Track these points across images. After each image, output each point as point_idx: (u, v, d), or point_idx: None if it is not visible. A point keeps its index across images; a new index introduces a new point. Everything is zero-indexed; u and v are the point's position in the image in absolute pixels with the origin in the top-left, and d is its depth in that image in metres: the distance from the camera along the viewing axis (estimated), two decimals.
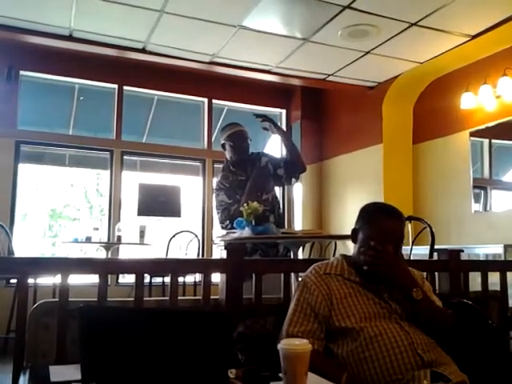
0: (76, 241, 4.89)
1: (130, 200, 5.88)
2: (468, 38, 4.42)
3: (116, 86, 5.91)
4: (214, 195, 3.21)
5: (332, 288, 1.68)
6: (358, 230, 1.77)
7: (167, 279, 2.32)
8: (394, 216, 1.76)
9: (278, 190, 3.43)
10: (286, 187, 6.43)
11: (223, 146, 3.23)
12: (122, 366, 1.03)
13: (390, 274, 1.66)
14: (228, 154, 3.21)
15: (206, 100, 6.38)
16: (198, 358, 1.03)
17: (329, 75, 5.43)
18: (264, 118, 3.19)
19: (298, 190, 6.47)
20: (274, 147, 6.72)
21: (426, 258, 3.18)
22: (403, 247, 3.35)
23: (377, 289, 1.69)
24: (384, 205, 1.89)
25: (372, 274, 1.68)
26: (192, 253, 5.45)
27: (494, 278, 2.82)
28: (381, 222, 1.72)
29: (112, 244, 5.10)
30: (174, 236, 5.50)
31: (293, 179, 3.31)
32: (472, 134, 5.02)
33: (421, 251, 3.66)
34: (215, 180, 3.35)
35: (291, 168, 3.24)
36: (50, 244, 6.75)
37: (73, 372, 1.28)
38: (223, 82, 6.02)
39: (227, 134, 3.18)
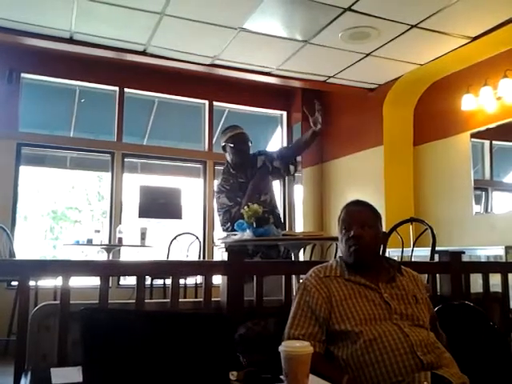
0: (77, 243, 4.89)
1: (131, 202, 5.88)
2: (468, 40, 4.43)
3: (117, 88, 5.92)
4: (215, 198, 3.20)
5: (332, 290, 1.69)
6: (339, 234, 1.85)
7: (168, 281, 2.32)
8: (355, 203, 1.88)
9: (276, 192, 3.42)
10: (286, 189, 6.44)
11: (224, 148, 3.22)
12: (123, 369, 1.03)
13: (365, 253, 1.75)
14: (229, 157, 3.21)
15: (206, 102, 6.39)
16: (199, 361, 1.03)
17: (329, 77, 5.44)
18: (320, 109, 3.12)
19: (299, 191, 6.48)
20: (274, 148, 6.73)
21: (427, 259, 3.18)
22: (405, 249, 3.39)
23: (377, 289, 1.69)
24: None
25: (358, 261, 1.75)
26: (193, 255, 5.45)
27: (495, 280, 2.82)
28: (345, 212, 1.85)
29: (113, 246, 5.10)
30: (174, 238, 5.51)
31: (291, 167, 3.25)
32: (473, 136, 5.02)
33: (422, 253, 3.66)
34: (216, 182, 3.35)
35: (285, 155, 3.23)
36: (51, 246, 6.75)
37: (74, 374, 1.28)
38: (224, 85, 6.03)
39: (228, 136, 3.18)
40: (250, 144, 3.20)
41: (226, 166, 3.27)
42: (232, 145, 3.15)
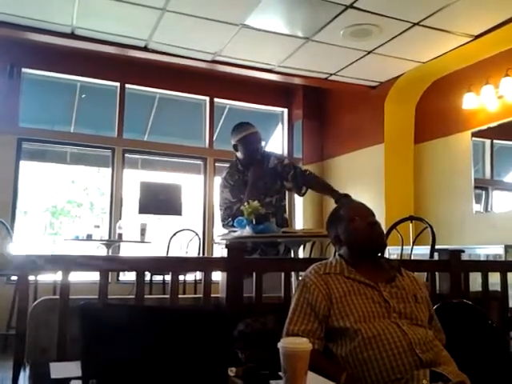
0: (77, 238, 4.89)
1: (131, 198, 5.88)
2: (471, 38, 4.42)
3: (118, 83, 5.91)
4: (219, 191, 3.16)
5: (331, 287, 1.69)
6: (339, 231, 1.85)
7: (168, 277, 2.33)
8: (353, 200, 2.00)
9: (287, 194, 3.36)
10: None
11: (235, 146, 3.14)
12: (122, 364, 1.03)
13: (385, 239, 1.84)
14: (240, 155, 3.14)
15: (207, 99, 6.38)
16: (198, 356, 1.03)
17: (331, 74, 5.43)
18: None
19: None
20: (274, 146, 6.73)
21: (427, 258, 3.19)
22: (404, 247, 3.39)
23: (377, 287, 1.69)
24: None
25: (381, 245, 1.80)
26: (193, 251, 5.45)
27: (494, 279, 2.82)
28: (350, 206, 1.93)
29: (113, 242, 5.10)
30: (174, 234, 5.50)
31: (303, 189, 3.15)
32: (474, 135, 5.02)
33: (421, 251, 3.67)
34: (220, 176, 3.30)
35: (300, 180, 3.14)
36: (50, 241, 6.75)
37: (73, 369, 1.28)
38: (225, 81, 6.02)
39: (242, 136, 3.08)
40: (263, 144, 3.15)
41: (234, 161, 3.21)
42: (245, 145, 3.06)
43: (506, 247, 4.00)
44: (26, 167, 5.61)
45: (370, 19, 4.10)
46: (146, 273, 2.28)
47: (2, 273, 4.28)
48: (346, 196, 2.88)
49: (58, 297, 1.96)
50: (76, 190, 6.52)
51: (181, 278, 3.08)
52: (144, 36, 4.56)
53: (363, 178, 5.76)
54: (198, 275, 5.04)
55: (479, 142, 5.13)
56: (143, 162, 6.23)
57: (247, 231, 2.72)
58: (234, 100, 6.52)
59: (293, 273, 2.47)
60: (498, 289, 2.82)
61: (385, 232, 1.96)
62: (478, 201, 5.02)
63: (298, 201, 6.48)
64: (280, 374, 1.18)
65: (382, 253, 1.85)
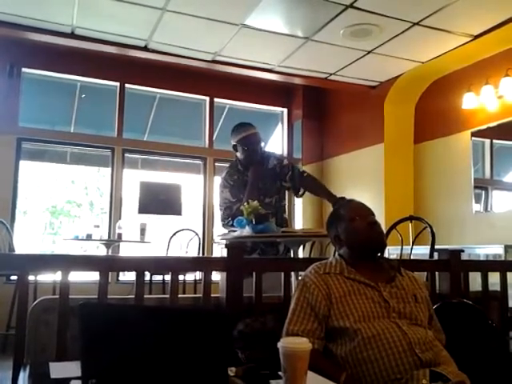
0: (77, 238, 4.89)
1: (130, 198, 5.89)
2: (470, 38, 4.42)
3: (118, 83, 5.91)
4: (219, 191, 3.16)
5: (331, 287, 1.69)
6: (339, 231, 1.85)
7: (167, 277, 2.32)
8: (352, 200, 1.97)
9: (286, 194, 3.36)
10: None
11: (235, 147, 3.13)
12: (121, 363, 1.03)
13: (384, 239, 1.85)
14: (239, 155, 3.14)
15: (207, 98, 6.38)
16: (198, 356, 1.03)
17: (330, 74, 5.43)
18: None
19: None
20: (274, 146, 6.73)
21: (427, 257, 3.19)
22: (404, 247, 3.39)
23: (376, 287, 1.69)
24: None
25: (381, 245, 1.80)
26: (192, 251, 5.45)
27: (494, 279, 2.83)
28: (351, 205, 1.91)
29: (112, 242, 5.10)
30: (174, 234, 5.50)
31: (301, 191, 3.13)
32: (473, 134, 5.02)
33: (421, 251, 3.67)
34: (219, 176, 3.31)
35: (297, 181, 3.11)
36: (50, 241, 6.76)
37: (73, 369, 1.28)
38: (225, 81, 6.02)
39: (242, 137, 3.07)
40: (262, 144, 3.15)
41: (234, 161, 3.20)
42: (246, 147, 3.05)
43: (506, 247, 4.00)
44: (26, 167, 5.61)
45: (370, 19, 4.10)
46: (146, 273, 2.28)
47: (2, 272, 4.28)
48: (343, 199, 2.86)
49: (57, 297, 1.96)
50: (76, 190, 6.52)
51: (180, 277, 3.08)
52: (144, 36, 4.56)
53: (363, 177, 5.76)
54: (198, 275, 5.05)
55: (479, 142, 5.13)
56: (143, 162, 6.24)
57: (247, 231, 2.72)
58: (234, 100, 6.52)
59: (292, 273, 2.48)
60: (498, 289, 2.82)
61: (384, 232, 1.96)
62: (477, 201, 5.02)
63: (298, 201, 6.48)
64: (280, 373, 1.18)
65: (382, 253, 1.85)
